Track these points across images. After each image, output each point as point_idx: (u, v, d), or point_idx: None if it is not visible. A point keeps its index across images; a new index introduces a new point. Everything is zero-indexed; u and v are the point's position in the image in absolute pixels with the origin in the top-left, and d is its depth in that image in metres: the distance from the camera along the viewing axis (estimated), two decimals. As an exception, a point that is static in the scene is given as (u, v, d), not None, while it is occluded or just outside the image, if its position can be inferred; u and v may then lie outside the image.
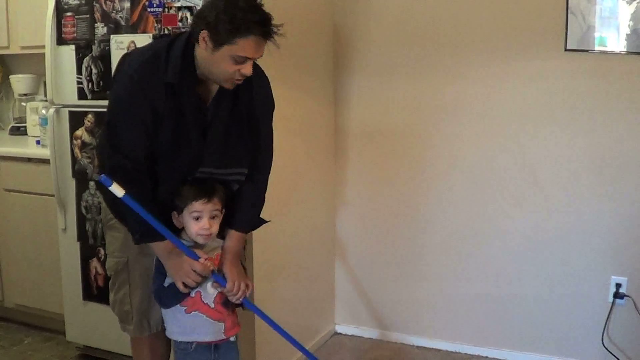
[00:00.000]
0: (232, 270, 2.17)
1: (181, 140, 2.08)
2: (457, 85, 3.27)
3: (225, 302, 2.19)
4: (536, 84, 3.11)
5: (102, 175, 1.94)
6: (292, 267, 3.20)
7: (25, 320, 3.72)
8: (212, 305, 2.17)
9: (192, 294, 2.14)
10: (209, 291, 2.16)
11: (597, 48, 2.95)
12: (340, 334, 3.72)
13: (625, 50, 2.92)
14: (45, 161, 3.27)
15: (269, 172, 2.33)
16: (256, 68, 2.16)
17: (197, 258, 2.08)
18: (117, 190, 1.95)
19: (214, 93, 2.13)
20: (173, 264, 2.10)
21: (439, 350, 3.46)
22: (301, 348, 2.38)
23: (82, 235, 3.13)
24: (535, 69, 3.10)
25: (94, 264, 3.11)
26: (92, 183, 3.05)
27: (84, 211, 3.10)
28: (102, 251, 3.05)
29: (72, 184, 3.13)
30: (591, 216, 3.10)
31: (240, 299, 2.18)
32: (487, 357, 3.37)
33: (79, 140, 3.06)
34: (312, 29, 3.30)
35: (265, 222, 2.35)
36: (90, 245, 3.11)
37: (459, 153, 3.32)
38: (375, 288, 3.63)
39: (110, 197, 2.22)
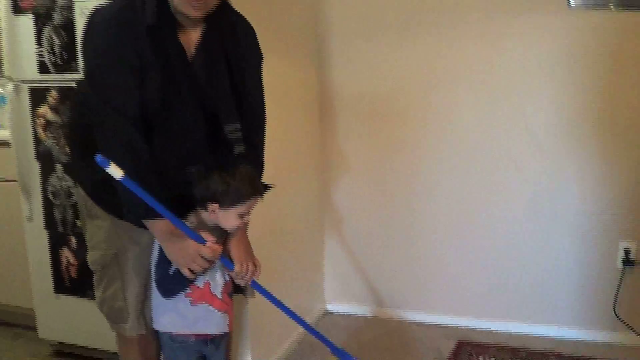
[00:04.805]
0: (239, 249, 2.06)
1: (172, 98, 1.93)
2: (453, 44, 3.19)
3: (230, 293, 2.09)
4: (538, 43, 3.04)
5: (98, 155, 1.73)
6: (278, 241, 3.07)
7: (-8, 317, 3.62)
8: (220, 296, 2.05)
9: (201, 285, 2.00)
10: (218, 281, 2.04)
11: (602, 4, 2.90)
12: (331, 312, 3.61)
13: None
14: (5, 143, 3.18)
15: (264, 132, 2.21)
16: (239, 17, 2.09)
17: (203, 242, 1.92)
18: (115, 171, 1.75)
19: (197, 43, 2.00)
20: (175, 247, 1.94)
21: (439, 326, 3.36)
22: (309, 328, 2.28)
23: (50, 223, 3.00)
24: (538, 27, 3.02)
25: (65, 253, 2.99)
26: (59, 166, 2.91)
27: (51, 197, 2.97)
28: (73, 239, 2.95)
29: (36, 167, 2.99)
30: (596, 179, 3.05)
31: (249, 282, 2.07)
32: (490, 330, 3.29)
33: (42, 119, 2.93)
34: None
35: (269, 186, 2.20)
36: (60, 234, 2.98)
37: (456, 118, 3.24)
38: (368, 262, 3.55)
39: (90, 181, 2.10)
